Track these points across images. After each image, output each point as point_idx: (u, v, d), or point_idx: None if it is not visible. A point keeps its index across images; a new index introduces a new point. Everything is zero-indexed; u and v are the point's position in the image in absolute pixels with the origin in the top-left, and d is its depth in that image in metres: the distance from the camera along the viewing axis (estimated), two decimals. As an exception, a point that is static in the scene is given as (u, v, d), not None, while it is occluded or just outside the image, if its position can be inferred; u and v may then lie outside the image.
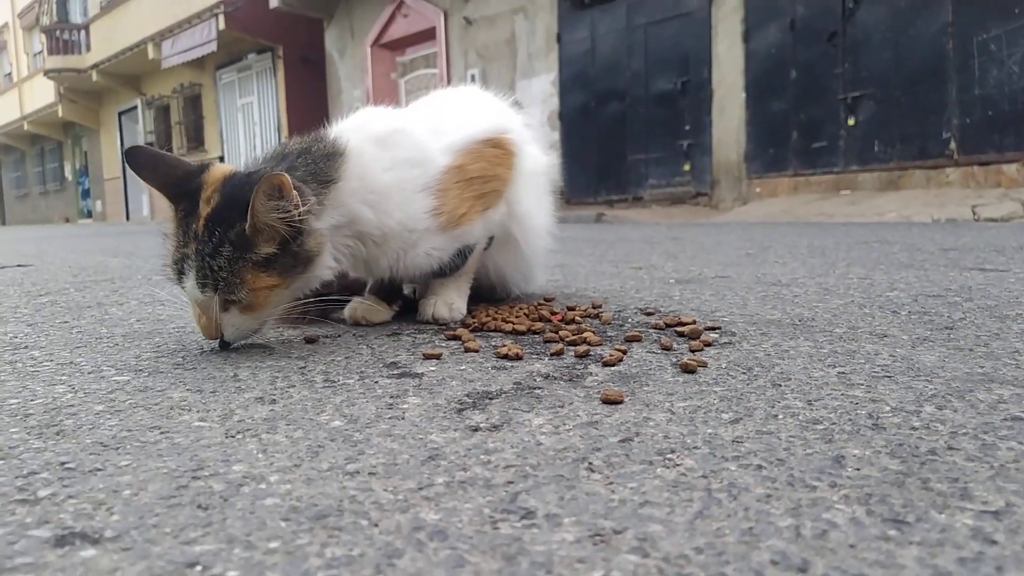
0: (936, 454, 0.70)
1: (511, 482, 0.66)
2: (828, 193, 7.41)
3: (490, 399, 0.93)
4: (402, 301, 1.60)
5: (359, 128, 1.37)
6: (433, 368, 1.11)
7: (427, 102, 1.59)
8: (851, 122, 7.37)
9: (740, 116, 8.17)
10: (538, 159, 1.63)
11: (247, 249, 1.16)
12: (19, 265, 3.61)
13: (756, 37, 8.00)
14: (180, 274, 1.18)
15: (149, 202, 20.00)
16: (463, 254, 1.46)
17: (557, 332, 1.31)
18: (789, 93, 7.78)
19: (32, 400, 0.98)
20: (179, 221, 1.21)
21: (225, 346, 1.25)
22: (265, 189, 1.13)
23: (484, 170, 1.43)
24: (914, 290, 1.81)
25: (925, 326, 1.34)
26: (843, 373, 1.01)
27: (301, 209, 1.17)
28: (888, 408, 0.85)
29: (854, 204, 6.67)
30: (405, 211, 1.33)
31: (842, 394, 0.91)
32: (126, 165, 1.26)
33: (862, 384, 0.95)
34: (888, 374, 1.00)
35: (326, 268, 1.28)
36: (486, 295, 1.67)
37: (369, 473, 0.69)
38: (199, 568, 0.52)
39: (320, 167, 1.27)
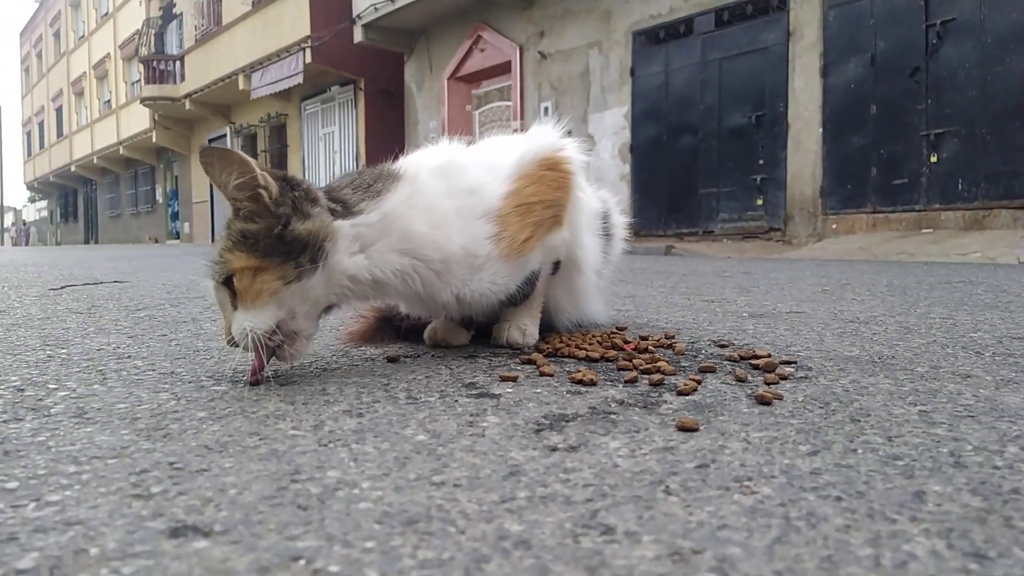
0: (1019, 493, 0.69)
1: (590, 500, 0.68)
2: (909, 231, 7.18)
3: (566, 422, 0.96)
4: (476, 327, 1.64)
5: (418, 159, 1.43)
6: (510, 390, 1.14)
7: (480, 145, 1.60)
8: (934, 159, 7.15)
9: (816, 151, 8.02)
10: (590, 201, 1.64)
11: (229, 228, 1.22)
12: (115, 281, 3.83)
13: (835, 72, 7.87)
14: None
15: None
16: (531, 282, 1.48)
17: (631, 360, 1.32)
18: (868, 128, 7.61)
19: (139, 405, 1.05)
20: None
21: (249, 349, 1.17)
22: (205, 158, 1.17)
23: (542, 194, 1.42)
24: (999, 332, 1.76)
25: (1010, 368, 1.31)
26: (924, 411, 1.00)
27: (270, 185, 1.18)
28: (970, 447, 0.84)
29: (936, 243, 6.45)
30: (466, 236, 1.35)
31: (923, 432, 0.90)
32: (197, 162, 1.33)
33: (944, 423, 0.94)
34: (971, 414, 0.99)
35: (352, 277, 1.25)
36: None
37: (454, 485, 0.72)
38: (303, 562, 0.56)
39: (373, 181, 1.33)
